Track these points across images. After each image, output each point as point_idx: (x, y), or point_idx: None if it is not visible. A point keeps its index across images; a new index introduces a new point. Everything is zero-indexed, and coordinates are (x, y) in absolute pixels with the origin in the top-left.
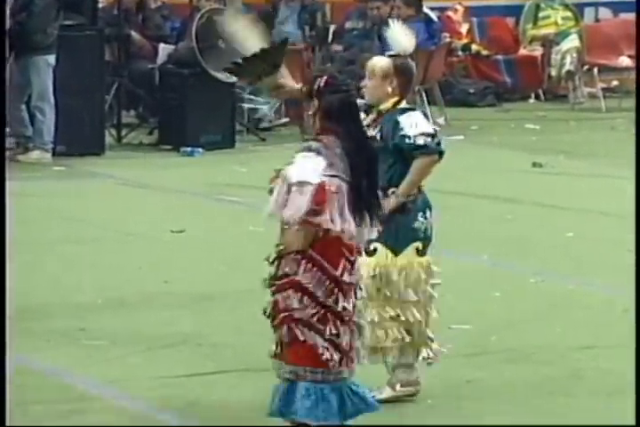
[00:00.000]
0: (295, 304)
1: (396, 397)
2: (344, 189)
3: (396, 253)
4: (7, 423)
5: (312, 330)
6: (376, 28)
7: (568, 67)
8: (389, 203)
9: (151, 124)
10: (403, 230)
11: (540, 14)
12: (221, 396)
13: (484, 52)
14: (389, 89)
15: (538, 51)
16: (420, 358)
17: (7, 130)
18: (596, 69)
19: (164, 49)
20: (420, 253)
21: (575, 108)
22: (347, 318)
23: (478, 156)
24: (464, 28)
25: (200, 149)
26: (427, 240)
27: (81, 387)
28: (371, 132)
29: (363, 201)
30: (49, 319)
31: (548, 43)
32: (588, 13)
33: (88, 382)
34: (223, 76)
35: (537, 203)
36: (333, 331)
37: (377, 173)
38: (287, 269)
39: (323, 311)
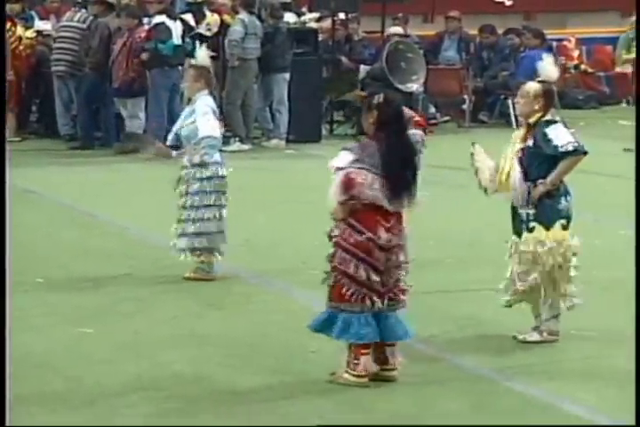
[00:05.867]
0: (338, 259)
1: (541, 341)
2: (370, 177)
3: (548, 228)
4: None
5: (348, 278)
6: (512, 53)
7: None
8: (539, 190)
9: (353, 121)
10: (551, 211)
11: (632, 43)
12: None
13: (590, 70)
14: (537, 107)
15: (629, 69)
16: (564, 307)
17: (255, 124)
18: None
19: (363, 69)
20: (565, 227)
21: None
22: (382, 268)
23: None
24: (576, 53)
25: None
26: (569, 218)
27: (302, 301)
28: (526, 142)
29: (395, 187)
30: (280, 257)
31: (636, 63)
32: None
33: (315, 301)
34: (404, 87)
35: (627, 177)
36: (371, 277)
37: (411, 167)
38: (335, 232)
39: (359, 264)
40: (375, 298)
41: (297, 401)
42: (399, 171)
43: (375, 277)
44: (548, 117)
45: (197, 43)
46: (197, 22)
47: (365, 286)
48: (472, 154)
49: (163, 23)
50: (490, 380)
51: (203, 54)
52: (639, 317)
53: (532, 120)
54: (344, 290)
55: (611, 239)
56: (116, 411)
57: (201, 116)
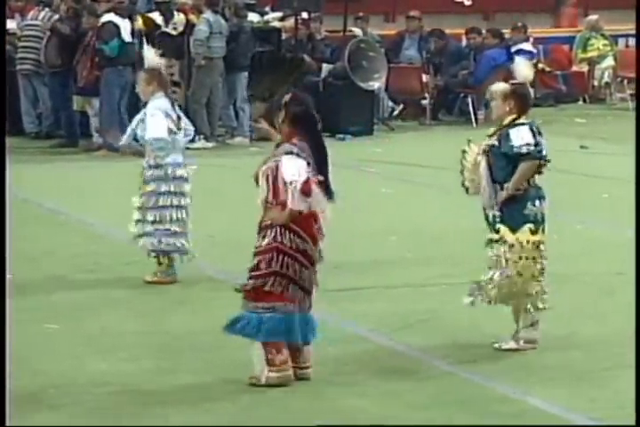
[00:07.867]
0: (274, 264)
1: (516, 349)
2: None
3: (513, 231)
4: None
5: (289, 280)
6: (472, 52)
7: (606, 79)
8: (502, 195)
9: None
10: (516, 215)
11: (588, 42)
12: None
13: (547, 69)
14: (507, 108)
15: (585, 68)
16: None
17: (219, 122)
18: (625, 80)
19: (325, 67)
20: (534, 232)
21: (611, 108)
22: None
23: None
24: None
25: (349, 136)
26: (537, 222)
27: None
28: (491, 141)
29: (327, 185)
30: (245, 253)
31: (592, 62)
32: (621, 41)
33: None
34: (365, 85)
35: (583, 173)
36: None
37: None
38: (272, 238)
39: (302, 269)
40: (307, 300)
41: (260, 394)
42: (327, 168)
43: (314, 282)
44: (521, 120)
45: (144, 41)
46: (167, 21)
47: (303, 289)
48: (464, 151)
49: (109, 22)
50: (449, 372)
51: (151, 55)
52: (639, 318)
53: (505, 122)
54: (279, 291)
55: (568, 234)
56: (81, 406)
57: (149, 118)
